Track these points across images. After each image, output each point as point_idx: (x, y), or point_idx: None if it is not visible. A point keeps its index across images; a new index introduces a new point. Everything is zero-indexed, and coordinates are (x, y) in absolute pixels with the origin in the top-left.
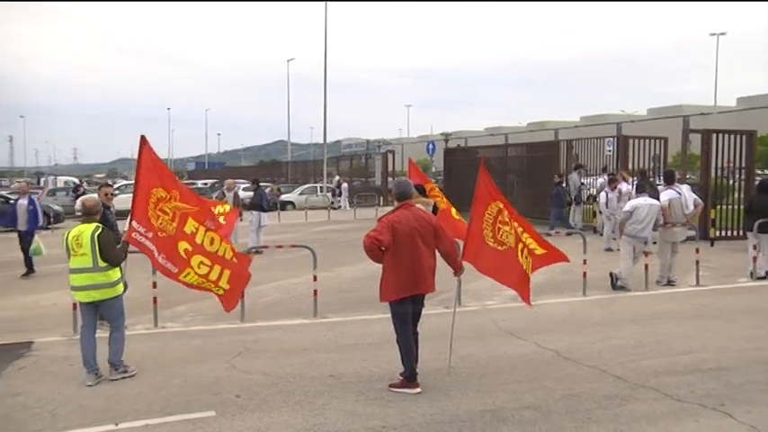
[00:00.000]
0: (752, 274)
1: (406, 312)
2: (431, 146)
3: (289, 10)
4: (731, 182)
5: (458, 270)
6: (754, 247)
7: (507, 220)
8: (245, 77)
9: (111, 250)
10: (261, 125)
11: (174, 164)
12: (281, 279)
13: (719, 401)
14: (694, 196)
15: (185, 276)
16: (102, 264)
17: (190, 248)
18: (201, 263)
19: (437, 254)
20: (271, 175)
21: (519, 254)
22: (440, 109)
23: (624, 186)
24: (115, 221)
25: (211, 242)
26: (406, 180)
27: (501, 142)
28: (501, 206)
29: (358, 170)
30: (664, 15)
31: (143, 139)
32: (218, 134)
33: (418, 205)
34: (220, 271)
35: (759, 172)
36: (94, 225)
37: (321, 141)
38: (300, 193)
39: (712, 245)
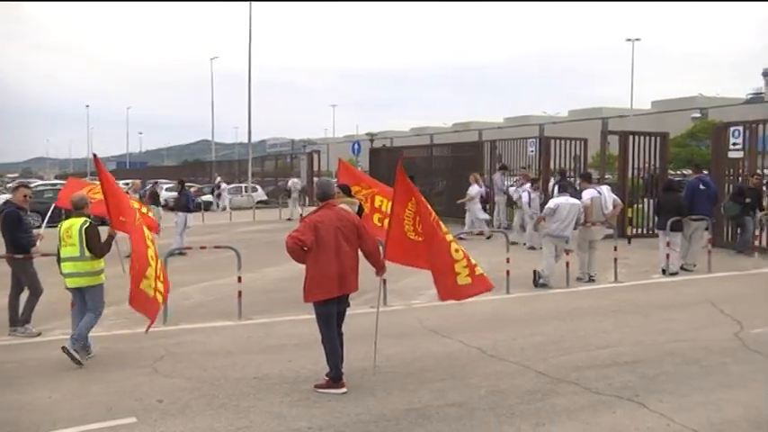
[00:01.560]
0: (664, 270)
1: (331, 313)
2: (356, 146)
3: (212, 7)
4: (646, 181)
5: (380, 270)
6: (667, 245)
7: (421, 220)
8: (167, 75)
9: (96, 243)
10: (185, 124)
11: (94, 164)
12: (205, 281)
13: (635, 392)
14: (614, 196)
15: (147, 275)
16: (87, 254)
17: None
18: (152, 256)
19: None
20: (195, 175)
21: (447, 246)
22: (366, 109)
23: (474, 189)
24: (31, 223)
25: (155, 256)
26: (327, 180)
27: (426, 142)
28: (418, 207)
29: (283, 170)
30: (584, 22)
31: (94, 156)
32: (140, 133)
33: (343, 205)
34: (156, 277)
35: (671, 172)
36: (83, 219)
37: (246, 141)
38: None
39: (629, 242)
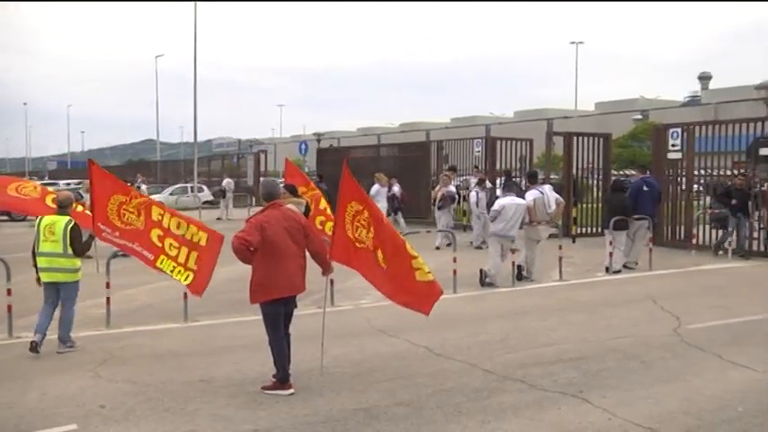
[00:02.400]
0: (607, 269)
1: (278, 313)
2: (303, 146)
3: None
4: (590, 181)
5: (327, 269)
6: (611, 243)
7: (365, 224)
8: (110, 73)
9: (79, 242)
10: (129, 123)
11: (33, 163)
12: (151, 282)
13: (579, 389)
14: (556, 195)
15: (161, 263)
16: (69, 251)
17: (161, 233)
18: (171, 245)
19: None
20: (140, 174)
21: (378, 258)
22: (313, 109)
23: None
24: None
25: (178, 226)
26: (273, 180)
27: (374, 142)
28: (361, 208)
29: (230, 170)
30: (529, 24)
31: (90, 161)
32: (82, 132)
33: (290, 205)
34: (188, 253)
35: (615, 172)
36: (68, 218)
37: (192, 140)
38: (171, 194)
39: (574, 241)
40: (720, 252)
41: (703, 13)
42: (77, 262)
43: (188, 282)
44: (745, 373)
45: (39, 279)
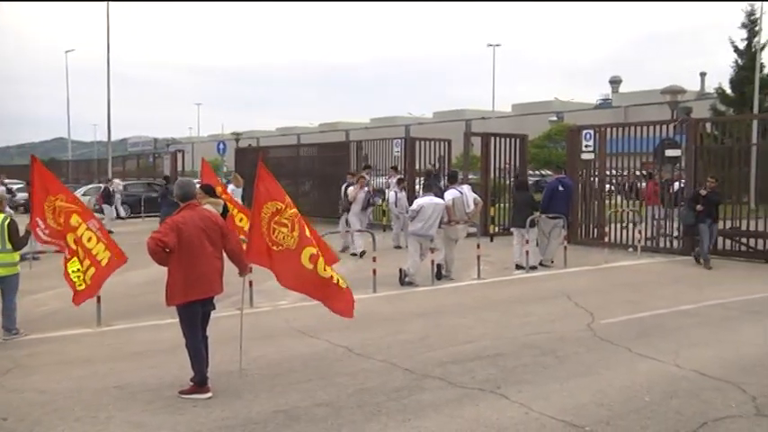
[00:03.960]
0: (518, 266)
1: (195, 315)
2: (221, 145)
3: None
4: (507, 181)
5: (243, 270)
6: (527, 242)
7: (286, 222)
8: (17, 67)
9: (17, 237)
10: (38, 121)
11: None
12: (61, 286)
13: (496, 385)
14: (474, 195)
15: (71, 264)
16: (8, 246)
17: (76, 239)
18: (80, 253)
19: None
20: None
21: (303, 258)
22: (231, 108)
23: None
24: None
25: (89, 240)
26: (188, 180)
27: (293, 142)
28: (280, 206)
29: (145, 170)
30: (447, 26)
31: (33, 157)
32: None
33: (207, 206)
34: (88, 266)
35: (531, 172)
36: (3, 215)
37: (106, 139)
38: (84, 194)
39: (492, 240)
40: (631, 249)
41: (615, 20)
42: (16, 256)
43: (80, 289)
44: (652, 364)
45: None
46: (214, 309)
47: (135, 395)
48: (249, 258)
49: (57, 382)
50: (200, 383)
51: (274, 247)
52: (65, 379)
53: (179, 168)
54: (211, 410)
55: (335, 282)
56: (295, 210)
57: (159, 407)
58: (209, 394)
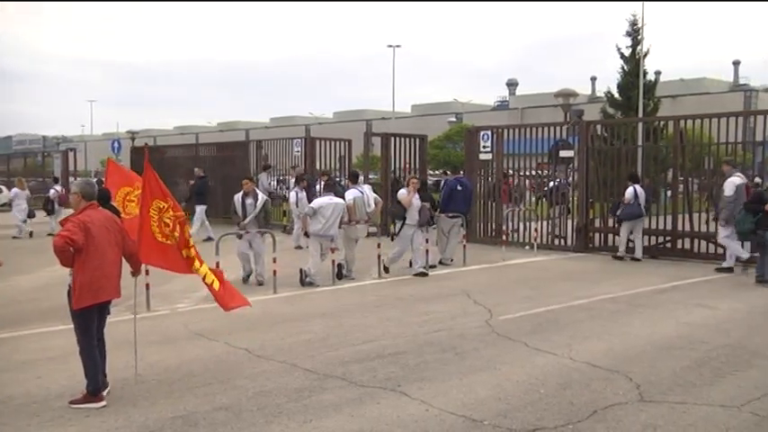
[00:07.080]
0: (410, 263)
1: (92, 321)
2: (116, 144)
3: None
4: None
5: (137, 270)
6: (427, 241)
7: (168, 222)
8: None
9: None
10: None
11: None
12: None
13: (397, 383)
14: (375, 195)
15: None
16: None
17: None
18: None
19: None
20: None
21: (182, 253)
22: (127, 106)
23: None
24: None
25: None
26: (89, 180)
27: (192, 141)
28: (163, 206)
29: (33, 170)
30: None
31: None
32: None
33: None
34: None
35: (431, 172)
36: None
37: None
38: None
39: (392, 240)
40: (528, 247)
41: (513, 25)
42: None
43: None
44: (547, 357)
45: None
46: (109, 313)
47: (20, 408)
48: (141, 259)
49: None
50: (93, 392)
51: (168, 241)
52: None
53: (71, 168)
54: (105, 420)
55: (210, 283)
56: (180, 212)
57: (47, 419)
58: (103, 403)
